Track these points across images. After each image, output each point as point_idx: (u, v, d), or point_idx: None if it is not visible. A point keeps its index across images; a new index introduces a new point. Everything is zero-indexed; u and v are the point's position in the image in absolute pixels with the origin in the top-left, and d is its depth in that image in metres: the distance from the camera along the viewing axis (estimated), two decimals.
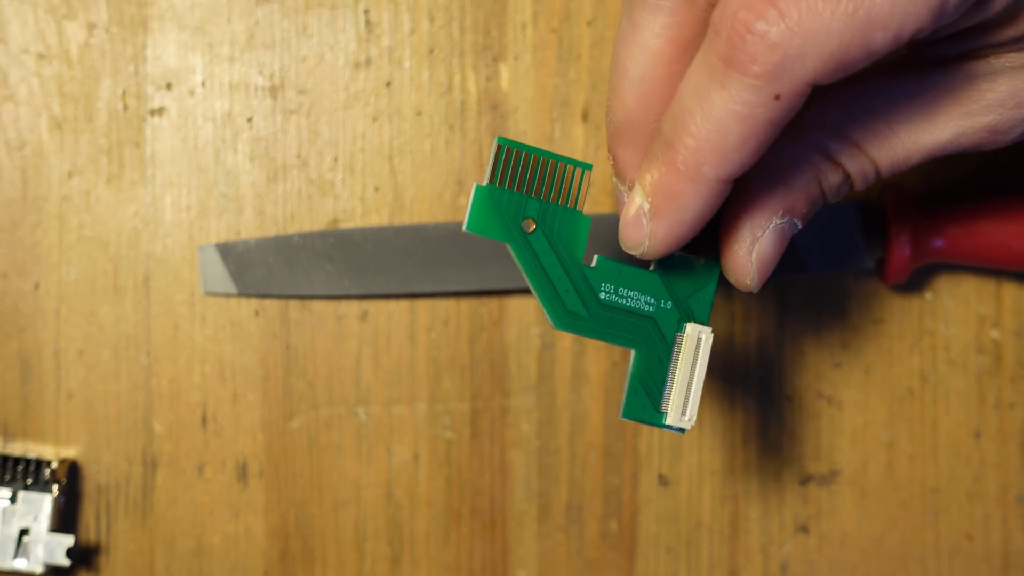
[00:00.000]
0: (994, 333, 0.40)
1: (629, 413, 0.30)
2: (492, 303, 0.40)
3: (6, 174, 0.41)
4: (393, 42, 0.40)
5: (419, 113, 0.40)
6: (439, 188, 0.40)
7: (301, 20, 0.40)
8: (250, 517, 0.41)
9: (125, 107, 0.41)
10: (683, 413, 0.30)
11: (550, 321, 0.30)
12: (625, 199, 0.30)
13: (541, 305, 0.30)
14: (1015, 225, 0.37)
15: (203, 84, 0.41)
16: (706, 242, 0.30)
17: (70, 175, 0.41)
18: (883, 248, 0.38)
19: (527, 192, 0.30)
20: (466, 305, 0.40)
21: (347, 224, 0.40)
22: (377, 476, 0.40)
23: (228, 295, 0.40)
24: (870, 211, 0.39)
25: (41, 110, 0.41)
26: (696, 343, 0.30)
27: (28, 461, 0.40)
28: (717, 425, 0.40)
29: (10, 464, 0.40)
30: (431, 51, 0.40)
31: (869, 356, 0.40)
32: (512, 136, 0.40)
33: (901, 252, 0.38)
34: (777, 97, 0.26)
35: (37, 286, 0.41)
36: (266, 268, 0.40)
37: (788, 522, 0.40)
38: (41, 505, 0.40)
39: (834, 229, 0.39)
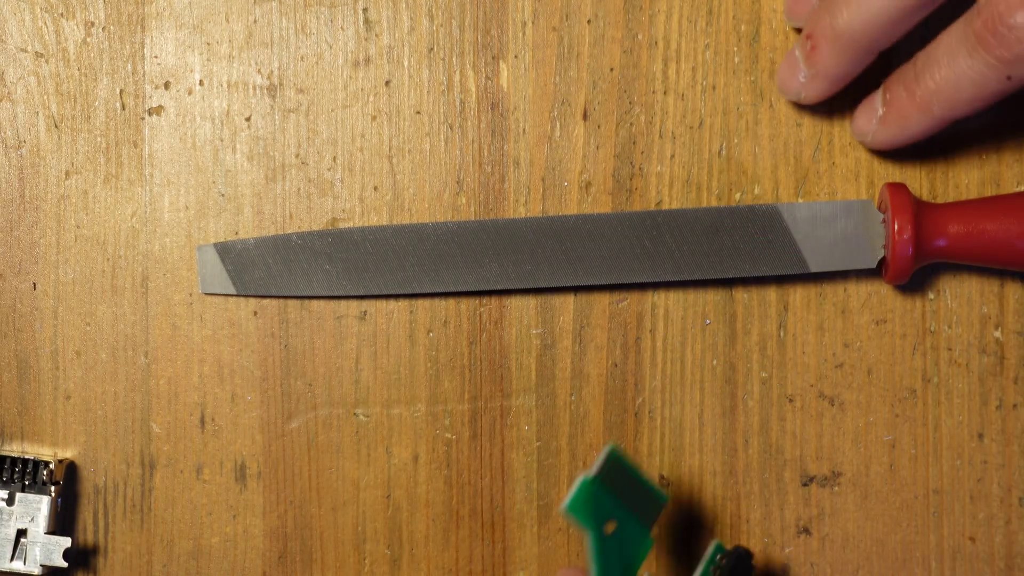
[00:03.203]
0: (997, 333, 0.40)
1: None
2: (492, 303, 0.40)
3: (3, 173, 0.40)
4: (392, 40, 0.40)
5: (418, 112, 0.40)
6: (438, 187, 0.40)
7: (300, 18, 0.40)
8: (248, 518, 0.40)
9: (123, 106, 0.40)
10: None
11: None
12: (797, 51, 0.37)
13: None
14: (1018, 225, 0.37)
15: (201, 83, 0.40)
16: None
17: (68, 174, 0.40)
18: (885, 247, 0.38)
19: (618, 497, 0.34)
20: (466, 305, 0.40)
21: (346, 224, 0.40)
22: (376, 477, 0.40)
23: (227, 295, 0.40)
24: (872, 210, 0.39)
25: (39, 109, 0.40)
26: None
27: (25, 462, 0.40)
28: (718, 426, 0.40)
29: (7, 465, 0.40)
30: (431, 50, 0.40)
31: (871, 356, 0.40)
32: (512, 135, 0.40)
33: (903, 251, 0.37)
34: (1008, 78, 0.33)
35: (35, 286, 0.40)
36: (265, 268, 0.40)
37: (790, 524, 0.40)
38: (38, 506, 0.39)
39: (836, 228, 0.39)
